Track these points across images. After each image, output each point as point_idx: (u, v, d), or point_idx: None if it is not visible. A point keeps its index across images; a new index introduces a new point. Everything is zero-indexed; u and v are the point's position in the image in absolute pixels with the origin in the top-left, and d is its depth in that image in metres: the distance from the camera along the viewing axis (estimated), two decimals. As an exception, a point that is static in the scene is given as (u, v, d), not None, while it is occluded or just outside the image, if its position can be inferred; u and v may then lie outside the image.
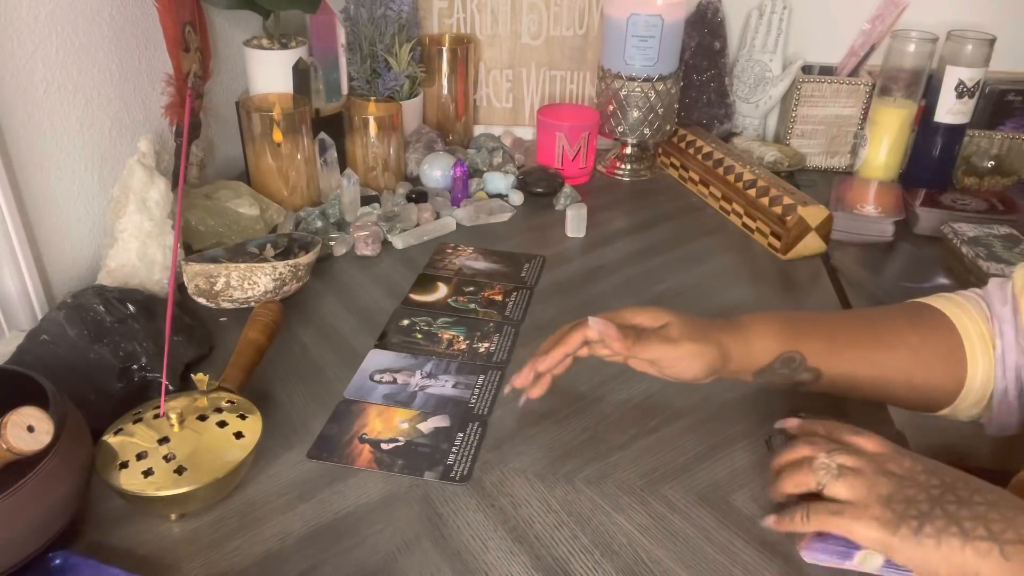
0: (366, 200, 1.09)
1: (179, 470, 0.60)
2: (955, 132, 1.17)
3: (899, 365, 0.67)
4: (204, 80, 1.04)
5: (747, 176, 1.09)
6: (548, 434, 0.72)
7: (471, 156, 1.22)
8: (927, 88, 1.17)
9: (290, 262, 0.86)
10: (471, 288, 0.94)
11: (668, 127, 1.24)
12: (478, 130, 1.36)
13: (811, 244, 1.02)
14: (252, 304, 0.85)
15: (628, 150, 1.26)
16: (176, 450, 0.61)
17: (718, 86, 1.32)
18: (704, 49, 1.30)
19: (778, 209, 1.02)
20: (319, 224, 1.02)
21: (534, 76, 1.34)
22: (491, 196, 1.14)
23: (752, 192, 1.07)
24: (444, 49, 1.26)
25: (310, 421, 0.73)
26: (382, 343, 0.84)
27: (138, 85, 0.95)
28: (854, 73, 1.29)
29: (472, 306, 0.90)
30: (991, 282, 0.69)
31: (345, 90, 1.18)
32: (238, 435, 0.63)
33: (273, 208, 1.02)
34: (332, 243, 1.00)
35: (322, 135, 1.07)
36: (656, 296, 0.93)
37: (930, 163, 1.20)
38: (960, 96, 1.14)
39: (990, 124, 1.24)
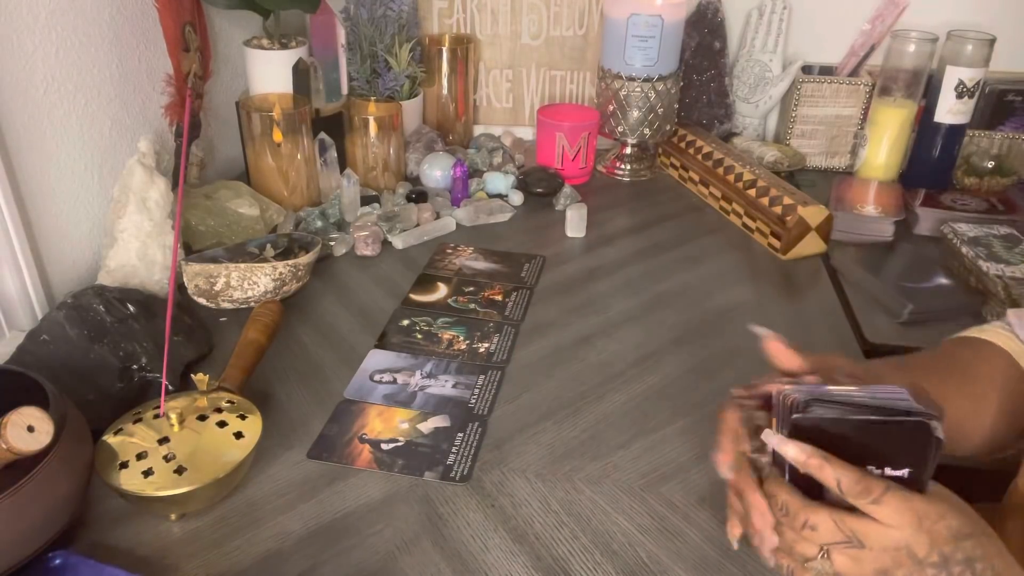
0: (366, 200, 1.09)
1: (179, 470, 0.60)
2: (955, 132, 1.17)
3: (988, 402, 0.65)
4: (204, 80, 1.04)
5: (747, 176, 1.09)
6: (548, 434, 0.72)
7: (471, 156, 1.22)
8: (927, 88, 1.17)
9: (290, 262, 0.86)
10: (471, 288, 0.94)
11: (668, 127, 1.24)
12: (478, 130, 1.36)
13: (811, 244, 1.02)
14: (252, 304, 0.85)
15: (628, 150, 1.26)
16: (176, 450, 0.61)
17: (718, 86, 1.32)
18: (704, 49, 1.30)
19: (778, 209, 1.02)
20: (319, 224, 1.02)
21: (534, 76, 1.34)
22: (491, 196, 1.14)
23: (752, 192, 1.07)
24: (444, 49, 1.26)
25: (310, 421, 0.73)
26: (382, 343, 0.84)
27: (138, 85, 0.95)
28: (854, 73, 1.29)
29: (472, 306, 0.90)
30: (1009, 313, 0.68)
31: (345, 90, 1.18)
32: (238, 435, 0.63)
33: (273, 208, 1.02)
34: (332, 243, 1.00)
35: (322, 135, 1.07)
36: (656, 296, 0.93)
37: (930, 163, 1.20)
38: (960, 96, 1.14)
39: (990, 124, 1.24)
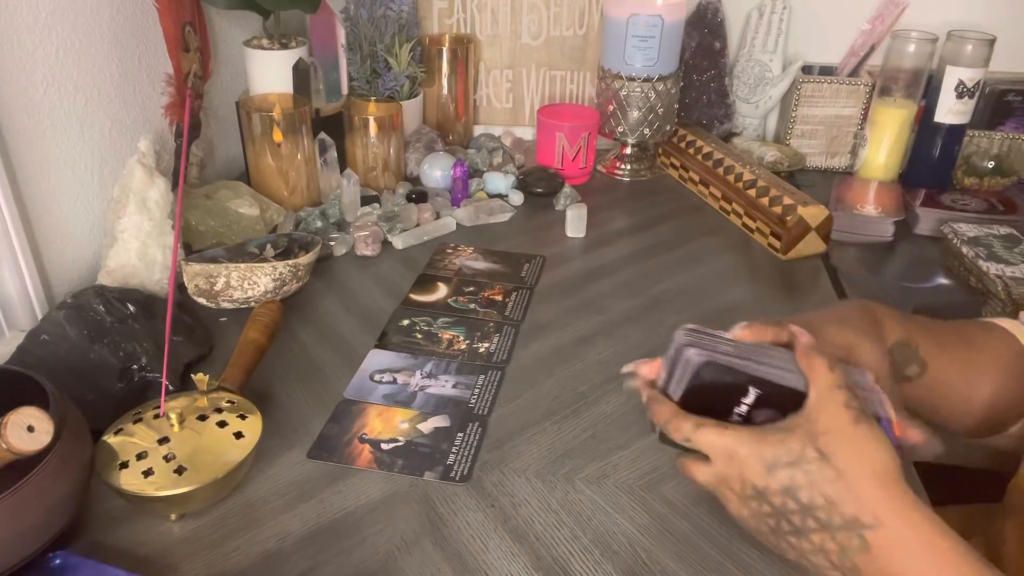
0: (366, 200, 1.09)
1: (179, 470, 0.60)
2: (955, 132, 1.17)
3: (987, 375, 0.65)
4: (204, 80, 1.04)
5: (747, 176, 1.09)
6: (548, 434, 0.72)
7: (471, 156, 1.22)
8: (927, 88, 1.17)
9: (290, 262, 0.86)
10: (471, 288, 0.94)
11: (668, 127, 1.24)
12: (478, 130, 1.36)
13: (811, 244, 1.02)
14: (252, 304, 0.85)
15: (628, 150, 1.26)
16: (176, 450, 0.61)
17: (718, 86, 1.32)
18: (704, 49, 1.30)
19: (778, 209, 1.02)
20: (319, 224, 1.02)
21: (534, 76, 1.34)
22: (491, 196, 1.14)
23: (752, 192, 1.07)
24: (444, 49, 1.26)
25: (310, 421, 0.73)
26: (382, 343, 0.84)
27: (138, 85, 0.95)
28: (854, 73, 1.29)
29: (472, 306, 0.90)
30: (1022, 315, 0.69)
31: (345, 90, 1.18)
32: (238, 435, 0.63)
33: (273, 208, 1.02)
34: (332, 243, 1.00)
35: (322, 135, 1.07)
36: (656, 296, 0.93)
37: (930, 163, 1.20)
38: (960, 96, 1.14)
39: (990, 124, 1.24)
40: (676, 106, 1.24)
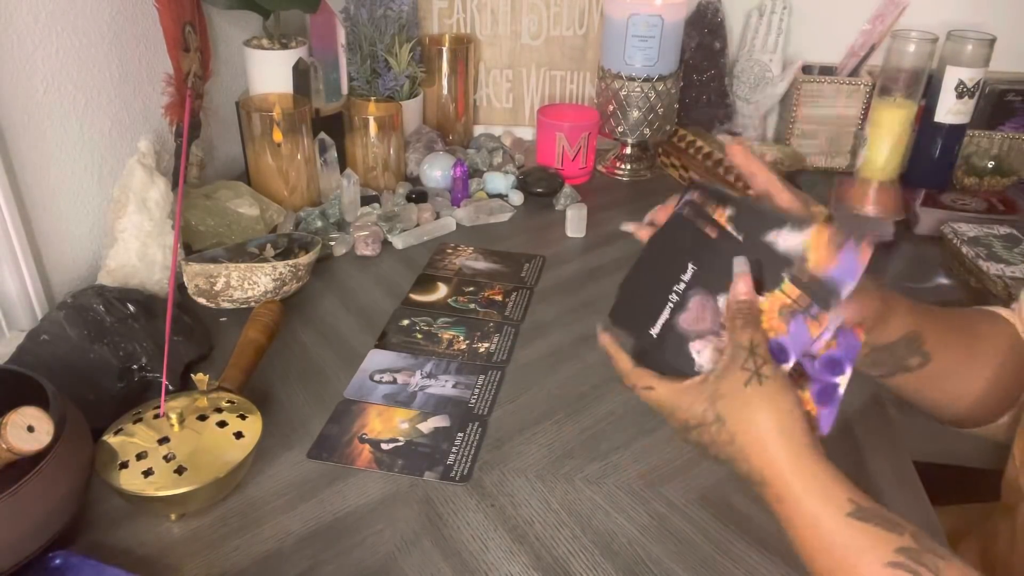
0: (366, 200, 1.09)
1: (179, 470, 0.60)
2: (955, 132, 1.17)
3: (985, 367, 0.65)
4: (204, 80, 1.04)
5: (747, 176, 1.09)
6: (548, 434, 0.72)
7: (471, 156, 1.22)
8: (927, 88, 1.17)
9: (290, 262, 0.86)
10: (471, 288, 0.94)
11: (668, 127, 1.24)
12: (478, 130, 1.36)
13: (811, 244, 1.01)
14: (252, 304, 0.85)
15: (628, 150, 1.26)
16: (176, 450, 0.61)
17: (718, 86, 1.32)
18: (704, 49, 1.30)
19: (778, 209, 1.02)
20: (319, 224, 1.02)
21: (534, 76, 1.34)
22: (491, 196, 1.13)
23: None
24: (444, 49, 1.26)
25: (310, 421, 0.73)
26: (382, 343, 0.84)
27: (138, 85, 0.95)
28: (854, 73, 1.29)
29: (472, 306, 0.90)
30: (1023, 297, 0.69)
31: (345, 90, 1.18)
32: (238, 435, 0.63)
33: (273, 208, 1.02)
34: (332, 243, 1.00)
35: (322, 135, 1.07)
36: (656, 296, 0.93)
37: (930, 163, 1.20)
38: (960, 96, 1.14)
39: (990, 124, 1.24)
40: (676, 106, 1.24)
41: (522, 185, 1.15)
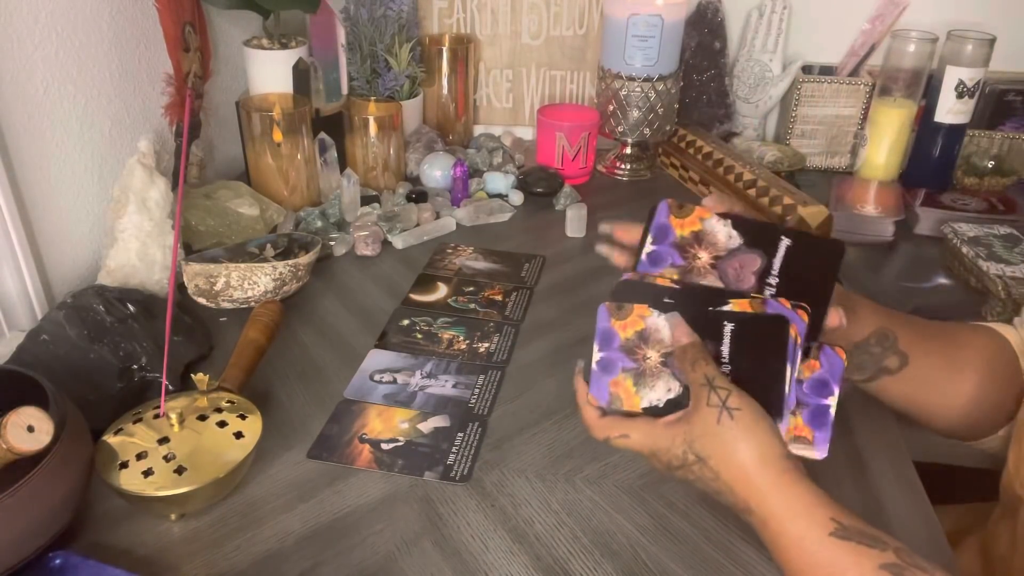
0: (366, 200, 1.09)
1: (179, 470, 0.60)
2: (955, 132, 1.17)
3: (970, 373, 0.66)
4: (204, 80, 1.04)
5: (747, 176, 1.09)
6: (548, 434, 0.72)
7: (471, 156, 1.22)
8: (927, 88, 1.17)
9: (290, 262, 0.86)
10: (471, 288, 0.94)
11: (668, 127, 1.24)
12: (478, 130, 1.36)
13: (811, 244, 1.01)
14: (252, 304, 0.85)
15: (628, 150, 1.26)
16: (176, 450, 0.61)
17: (718, 86, 1.32)
18: (704, 49, 1.30)
19: (778, 209, 1.02)
20: (319, 224, 1.02)
21: (534, 76, 1.34)
22: (491, 196, 1.13)
23: (752, 192, 1.07)
24: (444, 49, 1.26)
25: (310, 421, 0.73)
26: (382, 343, 0.84)
27: (138, 85, 0.95)
28: (854, 73, 1.29)
29: (472, 306, 0.90)
30: None
31: (345, 90, 1.18)
32: (238, 435, 0.63)
33: (273, 208, 1.02)
34: (332, 243, 1.00)
35: (322, 135, 1.07)
36: (656, 296, 0.93)
37: (930, 163, 1.20)
38: (960, 96, 1.14)
39: (990, 124, 1.24)
40: (676, 106, 1.24)
41: (522, 185, 1.15)
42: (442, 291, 0.93)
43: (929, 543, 0.61)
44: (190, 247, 0.94)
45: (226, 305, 0.86)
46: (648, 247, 0.61)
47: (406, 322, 0.87)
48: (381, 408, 0.74)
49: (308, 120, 1.05)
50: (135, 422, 0.64)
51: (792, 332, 0.53)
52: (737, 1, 1.31)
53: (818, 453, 0.56)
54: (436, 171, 1.14)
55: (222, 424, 0.64)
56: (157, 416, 0.64)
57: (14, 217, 0.79)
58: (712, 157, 1.16)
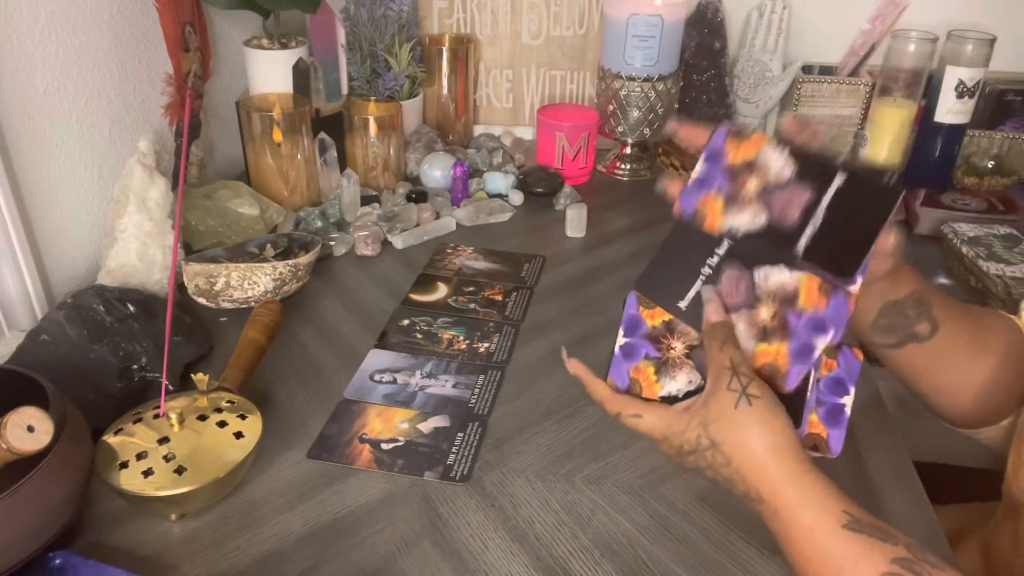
0: (366, 200, 1.09)
1: (179, 470, 0.60)
2: (955, 132, 1.17)
3: (989, 355, 0.65)
4: (204, 80, 1.04)
5: (747, 176, 1.09)
6: (548, 434, 0.72)
7: (471, 156, 1.22)
8: (927, 88, 1.17)
9: (290, 262, 0.86)
10: (471, 288, 0.94)
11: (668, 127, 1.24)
12: (478, 130, 1.36)
13: (811, 244, 1.01)
14: (252, 304, 0.85)
15: (628, 150, 1.26)
16: (176, 450, 0.61)
17: (718, 86, 1.32)
18: (704, 49, 1.30)
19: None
20: (319, 224, 1.02)
21: (534, 76, 1.34)
22: (491, 196, 1.13)
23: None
24: (444, 49, 1.26)
25: (310, 421, 0.73)
26: (382, 343, 0.84)
27: (138, 85, 0.95)
28: (854, 73, 1.29)
29: (472, 306, 0.90)
30: None
31: (345, 90, 1.18)
32: (238, 435, 0.63)
33: (273, 208, 1.02)
34: (332, 243, 1.00)
35: (322, 135, 1.07)
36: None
37: (930, 163, 1.20)
38: (960, 96, 1.14)
39: (990, 124, 1.24)
40: (676, 106, 1.24)
41: (522, 185, 1.15)
42: (442, 291, 0.93)
43: (929, 543, 0.61)
44: (190, 247, 0.94)
45: (226, 305, 0.86)
46: (699, 169, 0.58)
47: (406, 322, 0.87)
48: (381, 408, 0.74)
49: (308, 120, 1.05)
50: (135, 422, 0.64)
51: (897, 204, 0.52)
52: (737, 1, 1.31)
53: (832, 452, 0.56)
54: (436, 171, 1.14)
55: (222, 424, 0.64)
56: (157, 416, 0.64)
57: (14, 217, 0.79)
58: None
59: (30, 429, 0.52)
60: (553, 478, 0.67)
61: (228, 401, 0.66)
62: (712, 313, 0.55)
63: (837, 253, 0.53)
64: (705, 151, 0.57)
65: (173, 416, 0.63)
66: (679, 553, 0.60)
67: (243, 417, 0.65)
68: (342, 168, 1.09)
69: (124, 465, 0.60)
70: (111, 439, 0.62)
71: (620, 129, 1.22)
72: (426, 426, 0.72)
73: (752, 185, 0.56)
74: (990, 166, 1.19)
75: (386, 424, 0.72)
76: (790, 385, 0.53)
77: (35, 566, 0.55)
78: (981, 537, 0.72)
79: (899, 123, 1.18)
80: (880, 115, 1.20)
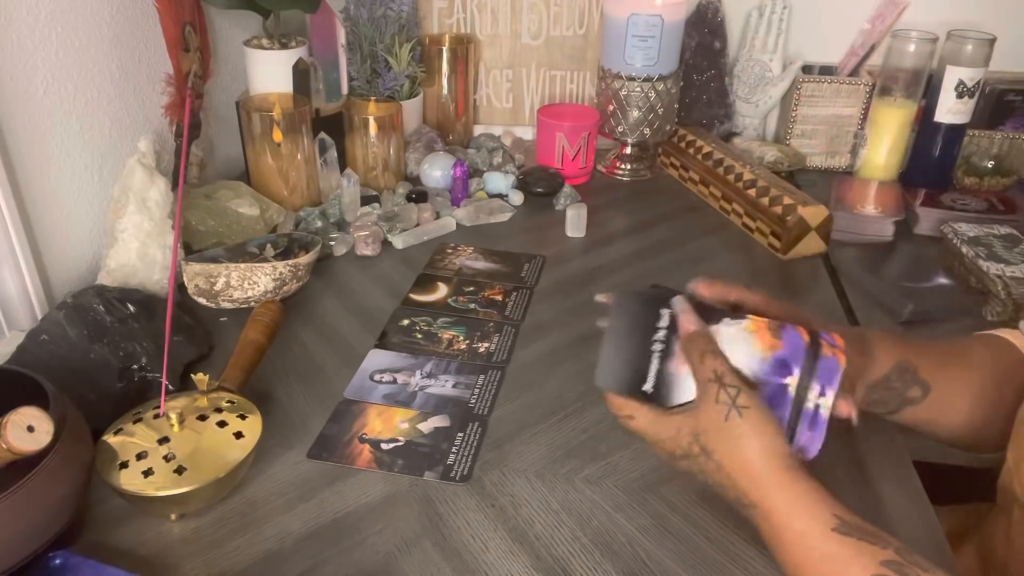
0: (366, 200, 1.09)
1: (179, 470, 0.60)
2: (955, 132, 1.17)
3: (989, 391, 0.65)
4: (204, 80, 1.04)
5: (747, 176, 1.09)
6: (548, 434, 0.72)
7: (471, 156, 1.22)
8: (927, 88, 1.17)
9: (290, 262, 0.86)
10: (471, 288, 0.94)
11: (668, 127, 1.24)
12: (478, 130, 1.36)
13: (811, 244, 1.02)
14: (252, 304, 0.85)
15: (628, 150, 1.26)
16: (176, 450, 0.61)
17: (718, 86, 1.32)
18: (704, 49, 1.30)
19: (778, 209, 1.02)
20: (319, 224, 1.02)
21: (534, 76, 1.34)
22: (491, 196, 1.13)
23: (752, 192, 1.07)
24: (444, 49, 1.26)
25: (310, 421, 0.73)
26: (382, 343, 0.84)
27: (138, 85, 0.95)
28: (854, 73, 1.29)
29: (472, 306, 0.90)
30: None
31: (345, 90, 1.18)
32: (238, 435, 0.63)
33: (273, 208, 1.02)
34: (332, 243, 1.00)
35: (322, 135, 1.07)
36: (656, 296, 0.93)
37: (930, 163, 1.20)
38: (960, 96, 1.14)
39: (990, 124, 1.24)
40: (676, 106, 1.24)
41: (522, 185, 1.15)
42: (442, 291, 0.93)
43: (929, 543, 0.61)
44: (190, 247, 0.94)
45: (226, 305, 0.86)
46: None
47: (406, 322, 0.87)
48: (381, 408, 0.74)
49: (308, 120, 1.05)
50: (135, 422, 0.64)
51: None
52: (737, 1, 1.31)
53: (807, 454, 0.55)
54: (436, 171, 1.14)
55: (222, 424, 0.64)
56: (157, 416, 0.64)
57: (14, 217, 0.79)
58: (712, 157, 1.16)
59: (30, 429, 0.52)
60: (553, 478, 0.67)
61: (228, 401, 0.66)
62: (687, 323, 0.55)
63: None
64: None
65: (173, 416, 0.63)
66: (679, 553, 0.60)
67: (243, 417, 0.65)
68: (342, 168, 1.09)
69: (124, 465, 0.60)
70: (111, 439, 0.62)
71: (620, 129, 1.22)
72: (426, 426, 0.72)
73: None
74: (990, 166, 1.19)
75: (386, 424, 0.72)
76: (811, 453, 0.55)
77: (35, 566, 0.55)
78: (978, 538, 0.72)
79: (899, 123, 1.18)
80: (880, 115, 1.20)
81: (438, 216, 1.08)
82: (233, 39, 1.13)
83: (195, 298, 0.85)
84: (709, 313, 0.56)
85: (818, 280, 0.99)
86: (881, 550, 0.48)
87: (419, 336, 0.85)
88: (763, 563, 0.59)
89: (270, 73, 1.08)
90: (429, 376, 0.79)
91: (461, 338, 0.85)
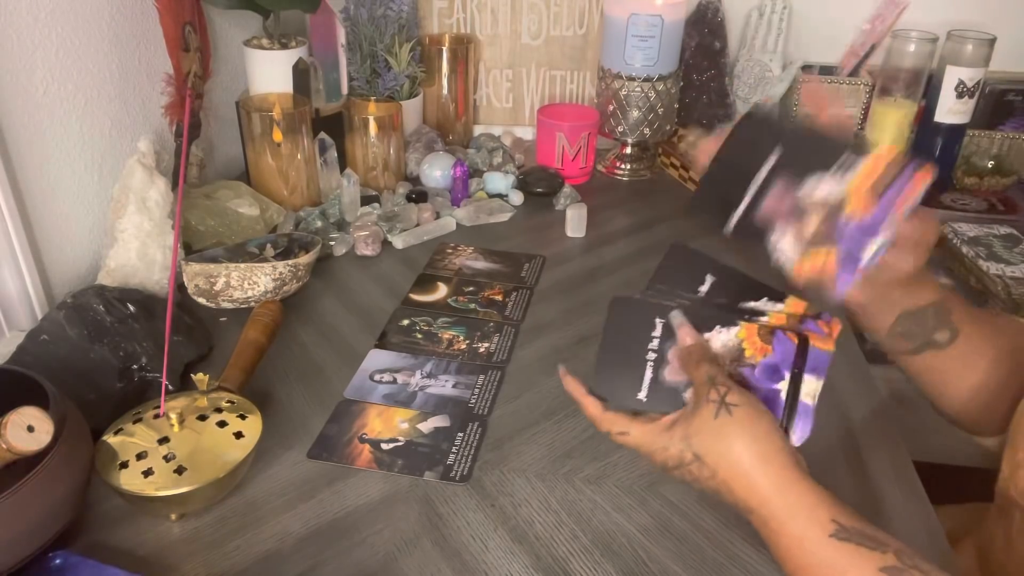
0: (366, 200, 1.09)
1: (179, 470, 0.60)
2: (955, 132, 1.17)
3: (1006, 359, 0.65)
4: (204, 80, 1.04)
5: (747, 176, 1.09)
6: (548, 434, 0.72)
7: (471, 156, 1.22)
8: (927, 88, 1.17)
9: (290, 262, 0.86)
10: (471, 288, 0.94)
11: (668, 127, 1.24)
12: (478, 130, 1.36)
13: (811, 244, 1.01)
14: (252, 304, 0.85)
15: (628, 150, 1.26)
16: (176, 450, 0.61)
17: (718, 86, 1.32)
18: (704, 49, 1.30)
19: (778, 209, 1.02)
20: (319, 224, 1.02)
21: (534, 76, 1.34)
22: (491, 196, 1.13)
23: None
24: (444, 49, 1.26)
25: (310, 421, 0.73)
26: (382, 343, 0.84)
27: (138, 85, 0.95)
28: (854, 73, 1.29)
29: (472, 306, 0.90)
30: None
31: (345, 90, 1.18)
32: (238, 435, 0.63)
33: (273, 208, 1.02)
34: (332, 243, 1.00)
35: (322, 135, 1.07)
36: (656, 296, 0.93)
37: (930, 163, 1.20)
38: (960, 96, 1.14)
39: (990, 124, 1.24)
40: (676, 106, 1.24)
41: (522, 185, 1.15)
42: (442, 291, 0.93)
43: (929, 543, 0.61)
44: (190, 247, 0.94)
45: (226, 305, 0.86)
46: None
47: (406, 322, 0.87)
48: (381, 408, 0.74)
49: (308, 120, 1.05)
50: (135, 422, 0.64)
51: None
52: (737, 1, 1.31)
53: (792, 441, 0.55)
54: (436, 171, 1.14)
55: (222, 424, 0.64)
56: (157, 416, 0.64)
57: (14, 217, 0.79)
58: (712, 157, 1.16)
59: (30, 429, 0.52)
60: (553, 478, 0.67)
61: (228, 401, 0.66)
62: (685, 336, 0.56)
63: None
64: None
65: (173, 416, 0.63)
66: (679, 553, 0.60)
67: (243, 417, 0.65)
68: (342, 168, 1.09)
69: (124, 465, 0.60)
70: (111, 439, 0.62)
71: (620, 129, 1.22)
72: (426, 426, 0.72)
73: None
74: (990, 166, 1.19)
75: (386, 424, 0.72)
76: (796, 441, 0.54)
77: (35, 566, 0.55)
78: (978, 538, 0.72)
79: (899, 123, 1.18)
80: (880, 115, 1.20)
81: (438, 216, 1.08)
82: (233, 39, 1.13)
83: (195, 298, 0.85)
84: (701, 321, 0.57)
85: (818, 280, 0.98)
86: (880, 555, 0.48)
87: (419, 336, 0.85)
88: (763, 563, 0.59)
89: (270, 73, 1.08)
90: (429, 376, 0.79)
91: (461, 338, 0.85)
